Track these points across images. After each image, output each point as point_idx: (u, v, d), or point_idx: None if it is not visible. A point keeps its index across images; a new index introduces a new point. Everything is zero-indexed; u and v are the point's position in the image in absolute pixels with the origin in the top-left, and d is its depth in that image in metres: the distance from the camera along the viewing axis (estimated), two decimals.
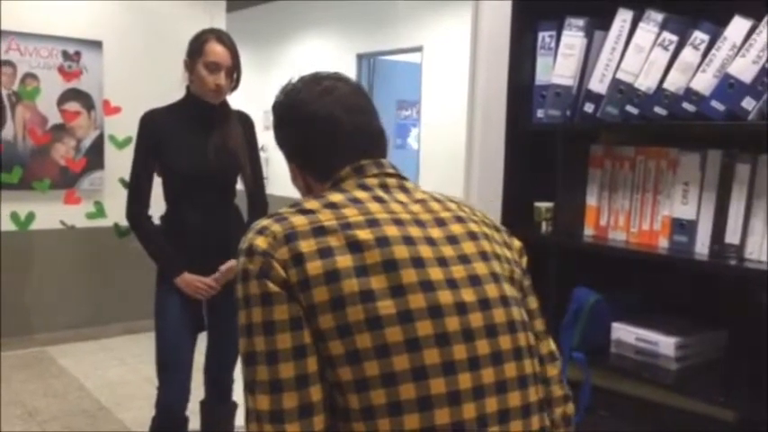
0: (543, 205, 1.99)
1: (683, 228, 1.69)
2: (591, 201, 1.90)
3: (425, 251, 1.00)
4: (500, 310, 1.02)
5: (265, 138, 2.94)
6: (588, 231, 1.91)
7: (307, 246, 0.96)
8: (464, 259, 1.03)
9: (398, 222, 1.02)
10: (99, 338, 4.82)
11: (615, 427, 1.78)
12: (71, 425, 3.49)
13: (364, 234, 0.98)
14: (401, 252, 0.98)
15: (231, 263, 2.40)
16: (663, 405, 1.71)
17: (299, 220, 0.99)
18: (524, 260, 1.17)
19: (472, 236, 1.07)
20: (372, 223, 1.00)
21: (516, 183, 2.03)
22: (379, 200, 1.05)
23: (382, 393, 0.92)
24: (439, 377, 0.94)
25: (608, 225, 1.87)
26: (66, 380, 4.13)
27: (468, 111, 2.60)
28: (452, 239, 1.05)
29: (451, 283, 0.99)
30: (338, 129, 1.11)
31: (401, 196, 1.08)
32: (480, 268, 1.03)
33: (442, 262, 1.01)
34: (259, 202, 2.53)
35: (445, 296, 0.98)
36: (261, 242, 0.98)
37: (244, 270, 0.98)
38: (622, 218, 1.84)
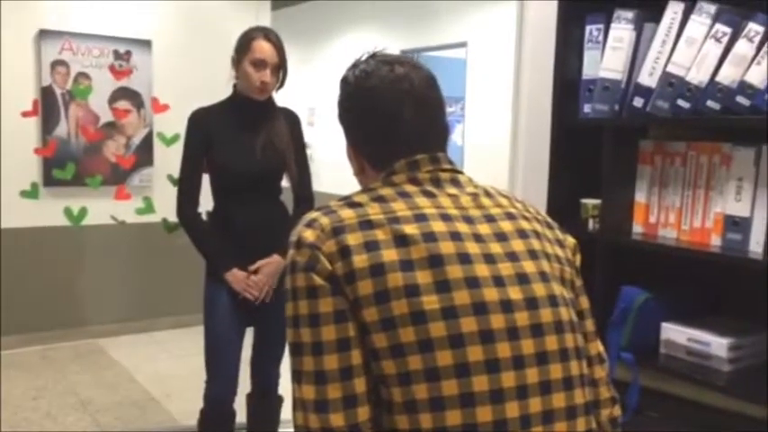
0: (590, 202, 1.96)
1: (737, 225, 1.64)
2: (640, 197, 1.86)
3: (472, 247, 0.99)
4: (547, 310, 1.00)
5: (309, 134, 2.95)
6: (637, 229, 1.87)
7: (354, 239, 0.97)
8: (512, 257, 1.02)
9: (446, 218, 1.01)
10: (148, 331, 4.94)
11: (664, 428, 1.74)
12: (122, 416, 3.58)
13: (411, 229, 0.98)
14: (447, 248, 0.97)
15: (269, 259, 2.42)
16: (714, 407, 1.67)
17: (347, 214, 1.00)
18: (578, 258, 1.14)
19: (522, 233, 1.05)
20: (420, 218, 1.00)
21: (562, 179, 2.00)
22: (428, 194, 1.04)
23: (424, 388, 0.92)
24: (482, 374, 0.93)
25: (658, 222, 1.83)
26: (118, 371, 4.24)
27: (514, 106, 2.57)
28: (501, 236, 1.03)
29: (498, 281, 0.98)
30: (401, 122, 1.09)
31: (452, 190, 1.06)
32: (528, 266, 1.02)
33: (490, 259, 1.00)
34: (305, 198, 2.55)
35: (491, 293, 0.97)
36: (309, 235, 0.99)
37: (292, 262, 1.00)
38: (673, 215, 1.79)
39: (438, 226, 0.99)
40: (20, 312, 4.52)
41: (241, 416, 2.62)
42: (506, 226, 1.05)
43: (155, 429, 3.43)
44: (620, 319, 1.79)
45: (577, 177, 1.99)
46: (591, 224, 1.94)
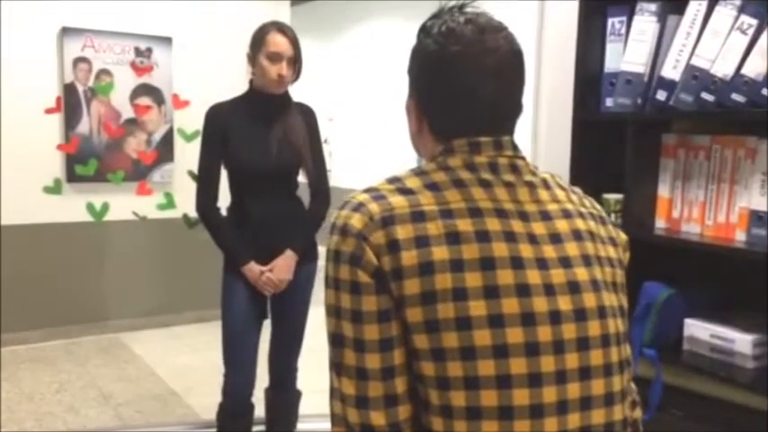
0: (612, 197, 1.93)
1: (762, 220, 1.62)
2: (663, 192, 1.84)
3: (525, 250, 0.95)
4: (595, 323, 0.97)
5: (328, 130, 2.95)
6: (660, 224, 1.84)
7: (404, 232, 0.92)
8: (565, 262, 0.97)
9: (501, 214, 0.96)
10: (169, 326, 4.98)
11: (688, 426, 1.72)
12: (144, 409, 3.61)
13: (464, 225, 0.93)
14: (500, 250, 0.93)
15: (283, 257, 2.42)
16: (738, 404, 1.64)
17: (399, 202, 0.94)
18: (627, 256, 1.10)
19: (577, 235, 1.00)
20: (474, 213, 0.95)
21: (583, 173, 1.98)
22: (483, 183, 0.98)
23: (462, 395, 0.90)
24: (524, 388, 0.91)
25: (681, 217, 1.80)
26: (139, 365, 4.28)
27: (534, 100, 2.55)
28: (555, 238, 0.98)
29: (548, 289, 0.94)
30: (476, 100, 1.00)
31: (509, 177, 1.00)
32: (581, 274, 0.97)
33: (542, 264, 0.95)
34: (321, 193, 2.55)
35: (540, 303, 0.93)
36: (356, 221, 0.94)
37: (336, 251, 0.94)
38: (696, 210, 1.77)
39: (492, 224, 0.94)
40: (43, 307, 4.59)
41: (260, 411, 2.63)
42: (562, 226, 0.99)
43: (175, 423, 3.46)
44: (642, 314, 1.77)
45: (599, 172, 1.97)
46: (613, 219, 1.92)
